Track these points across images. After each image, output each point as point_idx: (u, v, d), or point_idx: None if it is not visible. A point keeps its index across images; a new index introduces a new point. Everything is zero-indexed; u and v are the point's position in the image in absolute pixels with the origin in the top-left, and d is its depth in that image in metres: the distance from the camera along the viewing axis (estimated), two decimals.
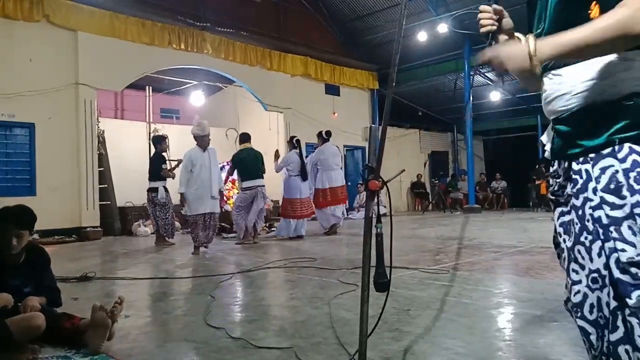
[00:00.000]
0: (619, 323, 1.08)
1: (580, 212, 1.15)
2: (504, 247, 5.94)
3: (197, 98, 13.31)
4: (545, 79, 1.24)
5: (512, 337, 2.52)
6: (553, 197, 1.30)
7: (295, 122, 12.46)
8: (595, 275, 1.12)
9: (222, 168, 8.40)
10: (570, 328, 2.31)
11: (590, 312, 1.14)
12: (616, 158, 1.09)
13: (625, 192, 1.07)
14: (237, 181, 7.88)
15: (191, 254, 6.24)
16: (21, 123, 8.41)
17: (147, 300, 3.80)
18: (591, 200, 1.12)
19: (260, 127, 12.31)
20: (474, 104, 14.43)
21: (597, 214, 1.11)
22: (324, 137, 8.54)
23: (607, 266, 1.09)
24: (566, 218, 1.24)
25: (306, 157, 8.62)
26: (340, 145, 12.51)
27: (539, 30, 1.24)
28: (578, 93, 1.15)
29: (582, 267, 1.15)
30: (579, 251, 1.15)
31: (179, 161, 7.77)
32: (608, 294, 1.10)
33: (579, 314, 1.17)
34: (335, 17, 14.20)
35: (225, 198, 8.88)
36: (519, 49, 1.12)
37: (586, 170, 1.14)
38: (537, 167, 14.38)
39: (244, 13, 11.99)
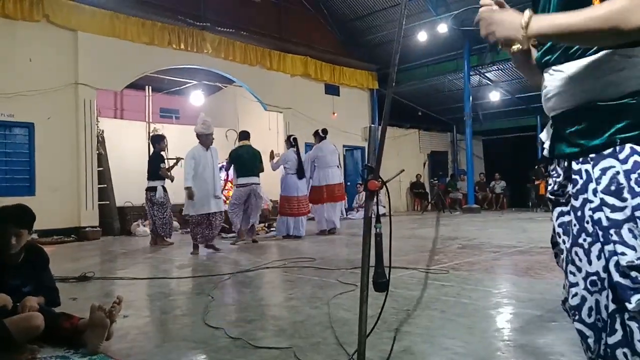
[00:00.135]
0: (617, 326, 1.06)
1: (579, 214, 1.12)
2: (503, 247, 5.94)
3: (196, 98, 13.30)
4: (545, 75, 1.21)
5: (511, 337, 2.52)
6: (552, 197, 1.27)
7: (295, 122, 12.45)
8: (594, 278, 1.09)
9: (221, 168, 8.39)
10: (570, 328, 2.28)
11: (589, 315, 1.12)
12: (617, 159, 1.06)
13: (626, 194, 1.04)
14: (233, 179, 7.86)
15: (190, 254, 6.24)
16: (21, 123, 8.41)
17: (145, 300, 3.80)
18: (591, 201, 1.09)
19: (260, 127, 12.30)
20: (474, 104, 14.43)
21: (597, 215, 1.08)
22: (321, 135, 8.50)
23: (606, 269, 1.07)
24: (566, 218, 1.21)
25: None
26: (339, 145, 12.53)
27: None
28: (579, 90, 1.12)
29: (579, 269, 1.12)
30: (576, 253, 1.13)
31: (178, 159, 7.77)
32: (607, 297, 1.08)
33: (577, 317, 1.15)
34: (335, 17, 14.21)
35: (224, 198, 8.86)
36: (513, 16, 1.09)
37: (586, 171, 1.11)
38: (536, 167, 14.40)
39: (244, 13, 12.00)
